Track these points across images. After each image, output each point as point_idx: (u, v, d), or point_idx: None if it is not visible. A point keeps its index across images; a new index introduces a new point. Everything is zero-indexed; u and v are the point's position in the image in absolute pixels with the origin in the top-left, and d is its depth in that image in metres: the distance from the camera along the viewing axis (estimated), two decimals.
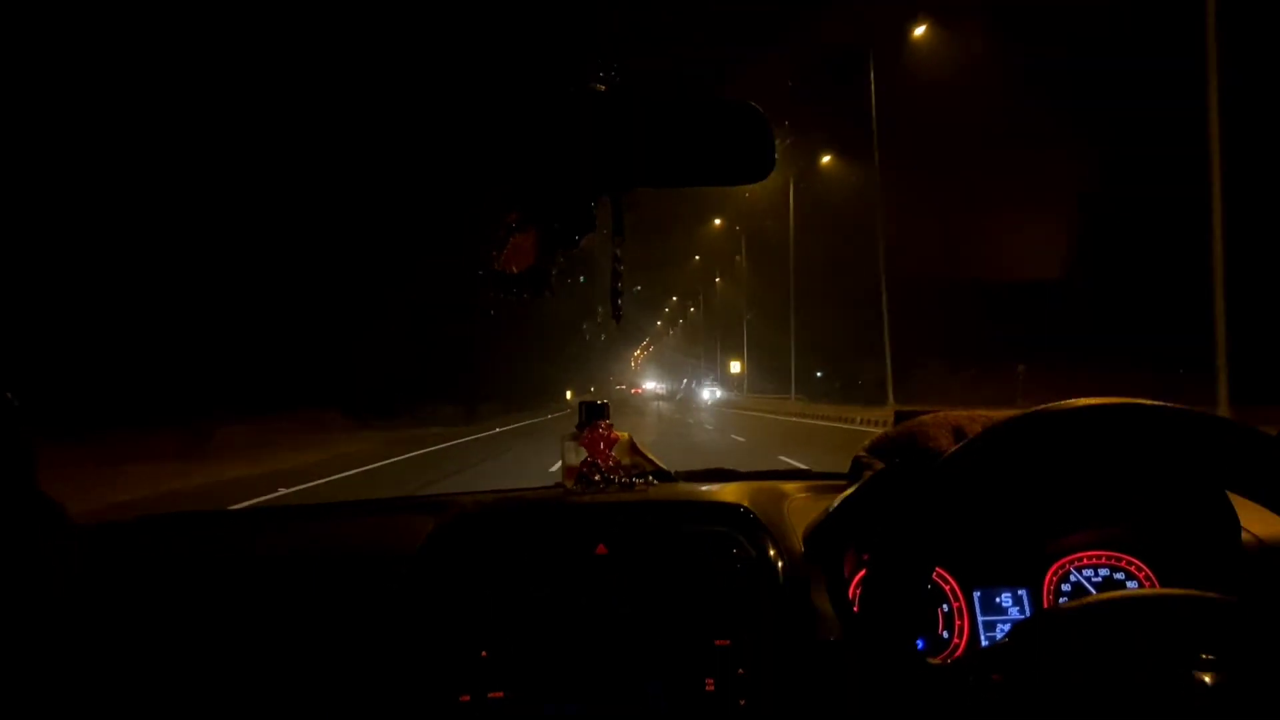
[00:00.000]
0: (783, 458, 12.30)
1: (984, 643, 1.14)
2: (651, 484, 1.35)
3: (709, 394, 52.86)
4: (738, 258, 49.13)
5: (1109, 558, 1.19)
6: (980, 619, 1.15)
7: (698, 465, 1.62)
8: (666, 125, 0.86)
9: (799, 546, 1.13)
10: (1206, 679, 0.62)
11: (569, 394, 44.61)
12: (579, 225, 0.86)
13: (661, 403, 51.98)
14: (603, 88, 0.82)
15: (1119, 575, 1.18)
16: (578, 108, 0.83)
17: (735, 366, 43.79)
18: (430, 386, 25.05)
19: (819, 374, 39.81)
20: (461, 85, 0.86)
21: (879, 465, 1.19)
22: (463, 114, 0.89)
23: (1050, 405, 0.71)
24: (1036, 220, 20.01)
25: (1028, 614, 1.16)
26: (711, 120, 0.87)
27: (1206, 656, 0.63)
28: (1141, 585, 1.17)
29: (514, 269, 0.86)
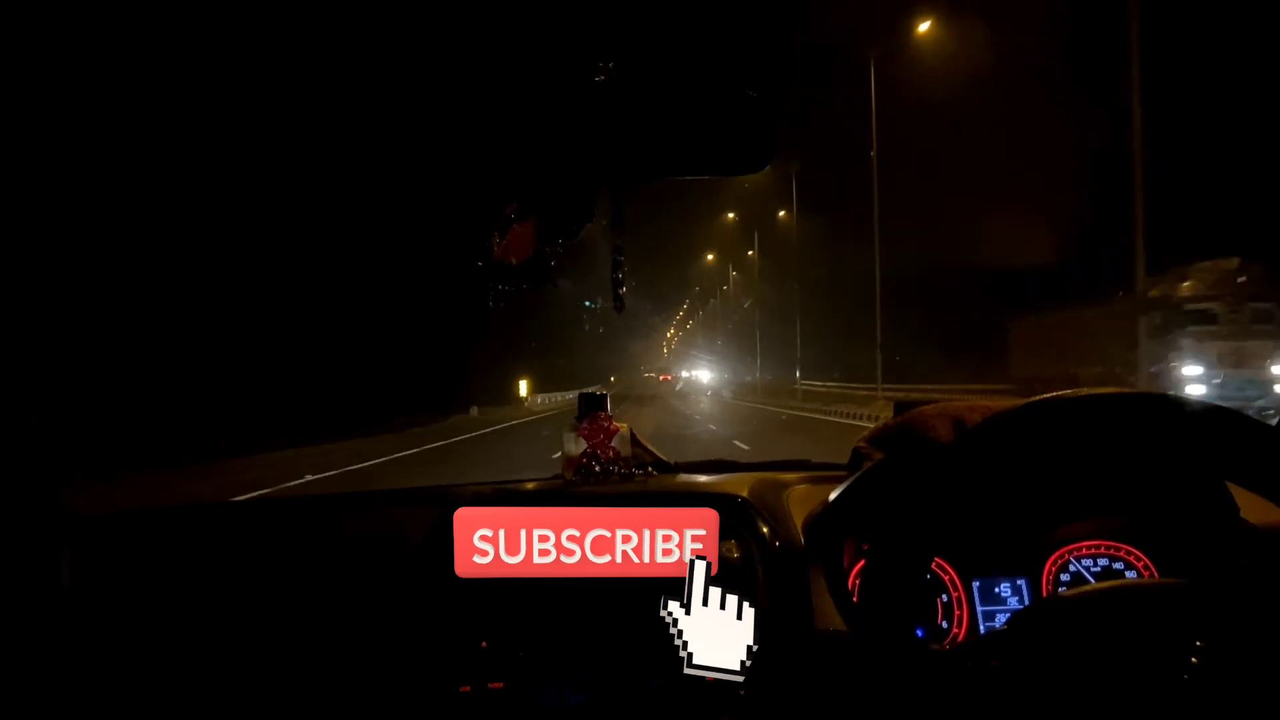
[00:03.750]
0: None
1: (983, 633, 1.14)
2: (651, 475, 1.35)
3: None
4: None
5: (1108, 547, 1.19)
6: (979, 609, 1.15)
7: None
8: (665, 115, 0.85)
9: (799, 537, 1.13)
10: (1202, 666, 0.62)
11: (525, 389, 32.26)
12: (578, 216, 0.86)
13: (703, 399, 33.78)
14: (601, 78, 0.82)
15: (1118, 565, 1.18)
16: (577, 98, 0.82)
17: None
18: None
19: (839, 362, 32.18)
20: (461, 76, 0.85)
21: (878, 456, 1.19)
22: (462, 104, 0.89)
23: (1050, 395, 0.71)
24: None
25: (1026, 604, 1.16)
26: (710, 110, 0.86)
27: (1203, 644, 0.63)
28: (1140, 575, 1.17)
29: (513, 260, 0.86)
